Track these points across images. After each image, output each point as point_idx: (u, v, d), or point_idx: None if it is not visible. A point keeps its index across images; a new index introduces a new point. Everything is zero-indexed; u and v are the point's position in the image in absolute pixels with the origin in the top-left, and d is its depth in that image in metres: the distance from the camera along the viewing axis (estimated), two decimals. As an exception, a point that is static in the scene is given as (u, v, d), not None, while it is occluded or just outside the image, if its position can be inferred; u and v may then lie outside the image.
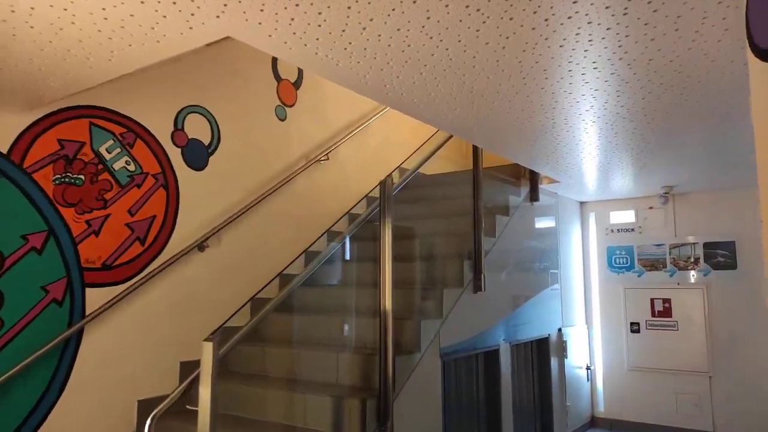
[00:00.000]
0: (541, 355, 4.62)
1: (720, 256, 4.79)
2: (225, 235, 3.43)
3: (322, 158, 4.23)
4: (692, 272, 4.91)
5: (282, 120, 4.00)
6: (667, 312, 4.99)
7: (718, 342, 4.71)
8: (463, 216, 3.85)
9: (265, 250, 3.72)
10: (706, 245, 4.86)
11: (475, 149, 3.69)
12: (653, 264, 5.11)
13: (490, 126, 2.92)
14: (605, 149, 3.42)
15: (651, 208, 5.18)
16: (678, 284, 4.97)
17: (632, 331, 5.14)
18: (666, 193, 4.67)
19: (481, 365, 3.79)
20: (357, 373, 2.92)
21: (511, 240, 4.18)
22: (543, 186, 4.66)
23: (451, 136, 3.97)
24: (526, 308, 4.29)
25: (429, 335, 3.07)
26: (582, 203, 5.57)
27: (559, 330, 4.81)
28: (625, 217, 5.33)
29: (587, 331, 5.38)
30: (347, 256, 4.16)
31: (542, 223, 4.78)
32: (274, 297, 3.78)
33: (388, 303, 2.68)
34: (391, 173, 2.85)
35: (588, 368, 5.24)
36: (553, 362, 4.67)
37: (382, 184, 2.75)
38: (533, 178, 4.47)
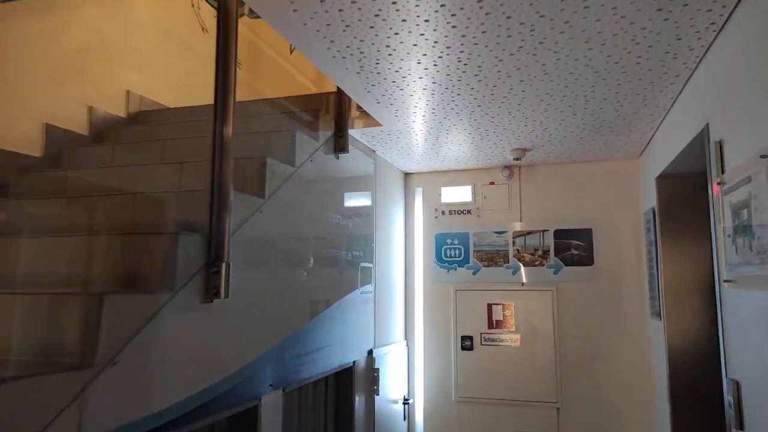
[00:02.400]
0: (341, 394, 2.98)
1: (574, 247, 3.69)
2: None
3: None
4: (540, 268, 3.74)
5: None
6: (507, 322, 3.76)
7: (570, 362, 3.59)
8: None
9: None
10: (558, 234, 3.74)
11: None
12: (492, 257, 3.86)
13: None
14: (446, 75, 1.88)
15: (492, 183, 3.92)
16: (522, 284, 3.77)
17: (463, 348, 3.81)
18: (517, 158, 3.41)
19: (219, 443, 1.98)
20: None
21: (299, 209, 2.46)
22: (356, 134, 3.04)
23: None
24: (321, 324, 2.60)
25: (37, 415, 1.16)
26: (407, 175, 4.13)
27: (370, 353, 3.24)
28: (460, 194, 4.00)
29: (407, 351, 3.92)
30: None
31: (354, 196, 3.16)
32: None
33: None
34: None
35: (405, 402, 3.77)
36: (359, 402, 3.07)
37: None
38: (341, 115, 2.81)
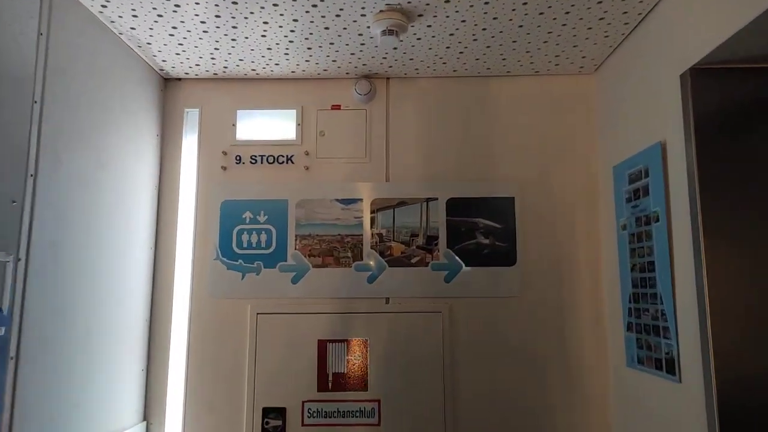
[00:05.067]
0: None
1: (482, 232, 1.98)
2: None
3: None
4: (421, 271, 1.96)
5: None
6: (355, 377, 1.92)
7: (473, 453, 1.86)
8: None
9: None
10: (454, 206, 2.00)
11: None
12: (332, 249, 1.99)
13: None
14: None
15: (337, 107, 2.06)
16: (386, 301, 1.96)
17: None
18: (390, 31, 1.60)
19: None
20: None
21: None
22: None
23: None
24: None
25: None
26: (169, 81, 2.08)
27: None
28: (274, 126, 2.07)
29: (143, 446, 1.87)
30: None
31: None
32: None
33: None
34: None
35: None
36: None
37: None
38: None
